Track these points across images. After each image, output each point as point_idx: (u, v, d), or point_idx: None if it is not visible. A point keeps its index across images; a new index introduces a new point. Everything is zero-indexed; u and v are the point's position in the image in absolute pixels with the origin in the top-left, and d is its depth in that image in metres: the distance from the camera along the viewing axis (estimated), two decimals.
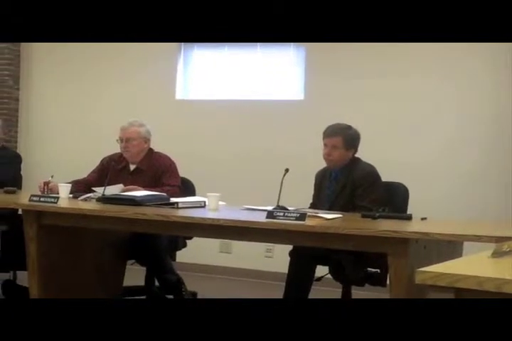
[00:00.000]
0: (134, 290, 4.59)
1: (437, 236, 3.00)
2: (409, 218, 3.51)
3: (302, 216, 3.23)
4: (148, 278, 4.49)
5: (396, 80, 5.42)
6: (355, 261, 3.71)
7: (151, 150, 4.51)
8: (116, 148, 4.52)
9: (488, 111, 5.16)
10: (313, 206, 4.08)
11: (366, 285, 3.88)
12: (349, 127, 4.04)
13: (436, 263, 1.78)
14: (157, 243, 4.26)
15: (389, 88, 5.43)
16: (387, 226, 3.21)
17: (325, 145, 4.00)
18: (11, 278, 4.73)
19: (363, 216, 3.48)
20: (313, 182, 4.21)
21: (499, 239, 2.58)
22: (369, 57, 5.47)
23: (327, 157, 4.00)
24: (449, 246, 3.33)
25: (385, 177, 4.03)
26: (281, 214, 3.27)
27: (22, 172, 5.13)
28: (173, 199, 3.88)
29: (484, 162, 5.14)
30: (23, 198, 4.00)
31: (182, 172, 4.51)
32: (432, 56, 5.28)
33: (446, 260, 1.90)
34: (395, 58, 5.42)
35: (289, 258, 3.93)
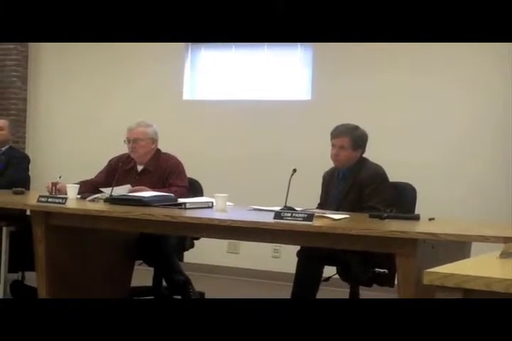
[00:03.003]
0: (142, 290, 4.60)
1: (445, 236, 2.99)
2: (417, 218, 3.50)
3: (310, 216, 3.22)
4: (156, 279, 4.49)
5: (404, 80, 5.40)
6: (362, 261, 3.70)
7: (158, 150, 4.51)
8: (123, 149, 4.53)
9: (498, 112, 5.14)
10: (320, 206, 4.07)
11: (374, 285, 3.88)
12: (356, 127, 4.03)
13: (444, 263, 1.78)
14: (165, 243, 4.26)
15: (397, 88, 5.42)
16: (395, 226, 3.20)
17: (333, 145, 3.99)
18: (20, 279, 4.75)
19: (371, 216, 3.47)
20: (320, 182, 4.20)
21: (507, 240, 2.57)
22: (377, 56, 5.46)
23: (335, 157, 4.00)
24: (457, 247, 3.32)
25: (393, 178, 4.02)
26: (289, 214, 3.27)
27: (30, 173, 5.14)
28: (180, 200, 3.88)
29: (494, 163, 5.12)
30: (32, 199, 4.01)
31: (189, 173, 4.51)
32: (441, 56, 5.26)
33: (454, 260, 1.89)
34: (404, 58, 5.40)
35: (296, 259, 3.93)
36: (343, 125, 4.04)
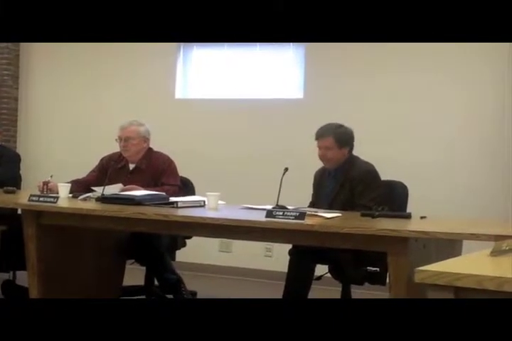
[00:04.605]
0: (134, 289, 4.59)
1: (436, 234, 3.00)
2: (408, 217, 3.51)
3: (301, 215, 3.23)
4: (148, 278, 4.49)
5: (396, 79, 5.41)
6: (354, 259, 3.71)
7: (150, 149, 4.50)
8: (115, 148, 4.52)
9: (490, 111, 5.15)
10: (312, 205, 4.07)
11: (366, 284, 3.88)
12: (339, 126, 4.03)
13: (435, 261, 1.78)
14: (157, 242, 4.26)
15: (388, 86, 5.43)
16: (386, 225, 3.21)
17: (319, 147, 4.00)
18: (11, 278, 4.73)
19: (363, 215, 3.48)
20: (312, 181, 4.20)
21: (498, 238, 2.58)
22: (368, 55, 5.46)
23: (322, 158, 4.01)
24: (449, 245, 3.33)
25: (385, 176, 4.03)
26: (281, 213, 3.27)
27: (21, 172, 5.13)
28: (172, 199, 3.88)
29: (486, 162, 5.14)
30: (23, 198, 4.00)
31: (181, 172, 4.51)
32: (432, 55, 5.26)
33: (445, 259, 1.89)
34: (395, 56, 5.41)
35: (288, 258, 3.93)
36: (325, 125, 4.04)
